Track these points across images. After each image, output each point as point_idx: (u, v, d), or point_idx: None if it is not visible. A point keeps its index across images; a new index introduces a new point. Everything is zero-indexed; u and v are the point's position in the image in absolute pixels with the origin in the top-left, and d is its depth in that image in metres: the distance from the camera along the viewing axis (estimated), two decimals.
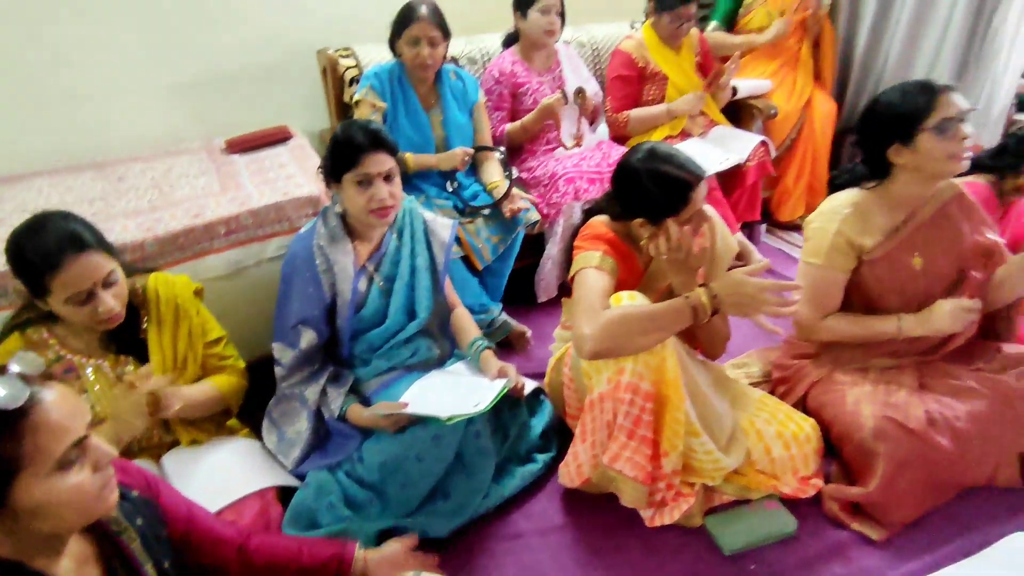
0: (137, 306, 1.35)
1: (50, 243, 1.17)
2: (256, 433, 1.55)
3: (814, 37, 2.88)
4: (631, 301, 1.34)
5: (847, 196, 1.56)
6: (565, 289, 2.32)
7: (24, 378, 0.75)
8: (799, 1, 2.79)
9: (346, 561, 1.10)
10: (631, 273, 1.50)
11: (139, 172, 2.05)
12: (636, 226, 1.42)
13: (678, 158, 1.39)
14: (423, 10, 1.96)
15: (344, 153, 1.48)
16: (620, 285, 1.44)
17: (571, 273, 1.46)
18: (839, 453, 1.55)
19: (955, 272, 1.55)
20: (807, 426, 1.49)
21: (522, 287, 2.31)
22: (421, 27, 1.95)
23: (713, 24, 2.90)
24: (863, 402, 1.49)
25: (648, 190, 1.38)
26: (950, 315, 1.46)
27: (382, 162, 1.48)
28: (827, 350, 1.65)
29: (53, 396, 0.76)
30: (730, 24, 2.93)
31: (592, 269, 1.40)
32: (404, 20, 1.97)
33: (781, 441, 1.46)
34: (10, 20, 2.04)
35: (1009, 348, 1.59)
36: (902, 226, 1.53)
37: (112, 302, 1.22)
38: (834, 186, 1.65)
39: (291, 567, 1.06)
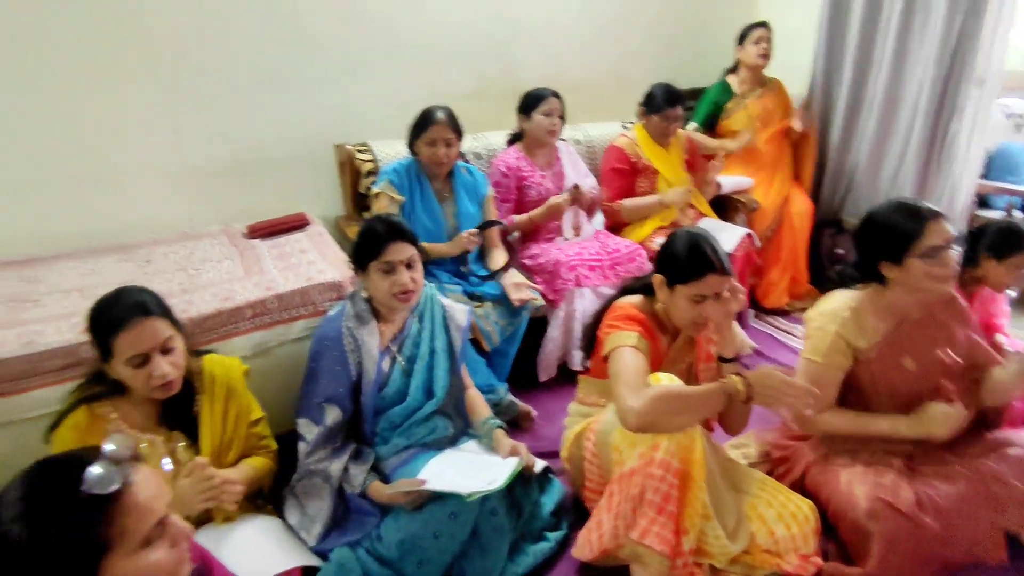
0: (193, 384, 1.43)
1: (121, 307, 1.30)
2: (277, 509, 1.59)
3: (795, 141, 3.15)
4: (669, 382, 1.45)
5: (845, 298, 1.65)
6: (565, 369, 2.44)
7: (116, 461, 0.79)
8: (782, 111, 3.09)
9: None
10: (656, 355, 1.61)
11: (163, 255, 2.16)
12: (656, 282, 1.58)
13: (718, 248, 1.54)
14: (440, 115, 2.16)
15: (369, 244, 1.62)
16: None
17: (606, 350, 1.56)
18: (836, 531, 1.61)
19: (946, 371, 1.63)
20: (805, 507, 1.56)
21: (523, 368, 2.40)
22: (439, 130, 2.15)
23: (692, 125, 3.18)
24: (856, 483, 1.57)
25: (678, 250, 1.54)
26: (938, 421, 1.53)
27: (403, 250, 1.61)
28: (822, 435, 1.75)
29: (140, 478, 0.81)
30: (709, 127, 3.21)
31: (630, 348, 1.51)
32: (423, 123, 2.17)
33: (783, 523, 1.53)
34: (36, 107, 2.16)
35: (989, 434, 1.71)
36: (895, 328, 1.63)
37: (167, 368, 1.30)
38: (831, 282, 1.76)
39: None
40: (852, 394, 1.68)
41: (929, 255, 1.49)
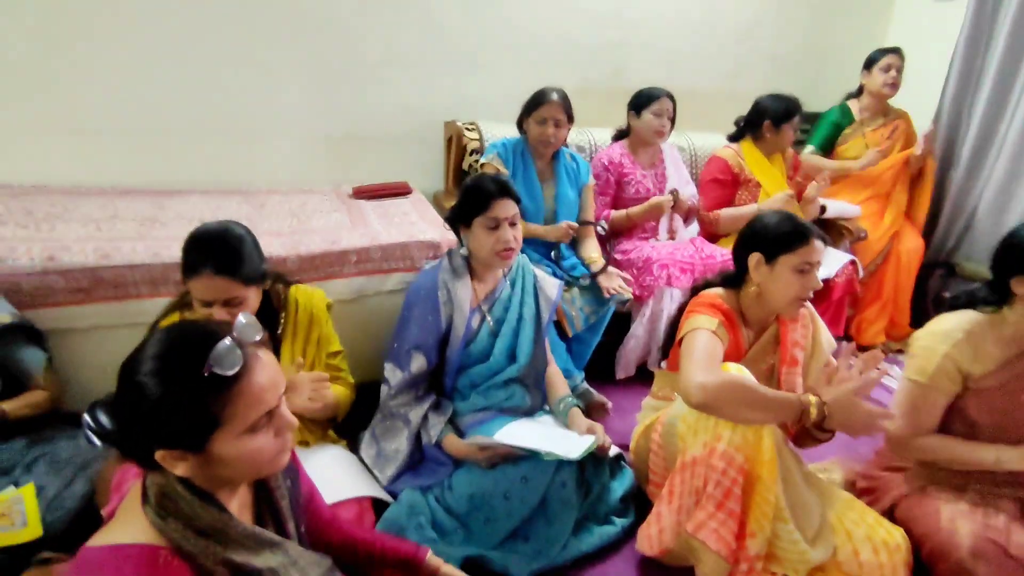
0: (277, 308, 1.50)
1: (203, 250, 1.31)
2: (352, 447, 1.63)
3: (913, 174, 2.99)
4: (739, 373, 1.40)
5: (960, 320, 1.53)
6: (643, 370, 2.39)
7: (241, 345, 0.80)
8: (904, 144, 2.94)
9: (419, 558, 1.16)
10: (736, 349, 1.56)
11: (278, 202, 2.29)
12: (753, 263, 1.54)
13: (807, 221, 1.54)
14: (554, 96, 2.19)
15: (476, 199, 1.62)
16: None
17: (683, 332, 1.53)
18: (931, 572, 1.49)
19: None
20: (897, 535, 1.45)
21: (601, 362, 2.37)
22: (550, 109, 2.18)
23: (810, 148, 3.08)
24: (960, 520, 1.45)
25: (773, 223, 1.54)
26: None
27: (509, 208, 1.62)
28: (922, 466, 1.62)
29: (260, 368, 0.82)
30: (827, 150, 3.10)
31: (710, 332, 1.47)
32: (536, 101, 2.21)
33: (870, 545, 1.43)
34: (198, 67, 2.37)
35: None
36: (1016, 359, 1.49)
37: (224, 316, 1.32)
38: (950, 306, 1.63)
39: (372, 549, 1.14)
40: (958, 424, 1.55)
41: None
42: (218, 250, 1.31)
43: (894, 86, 2.90)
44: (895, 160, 2.95)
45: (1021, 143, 2.78)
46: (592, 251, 2.29)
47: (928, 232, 3.09)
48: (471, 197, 1.64)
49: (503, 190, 1.62)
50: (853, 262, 2.66)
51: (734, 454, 1.35)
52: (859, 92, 3.04)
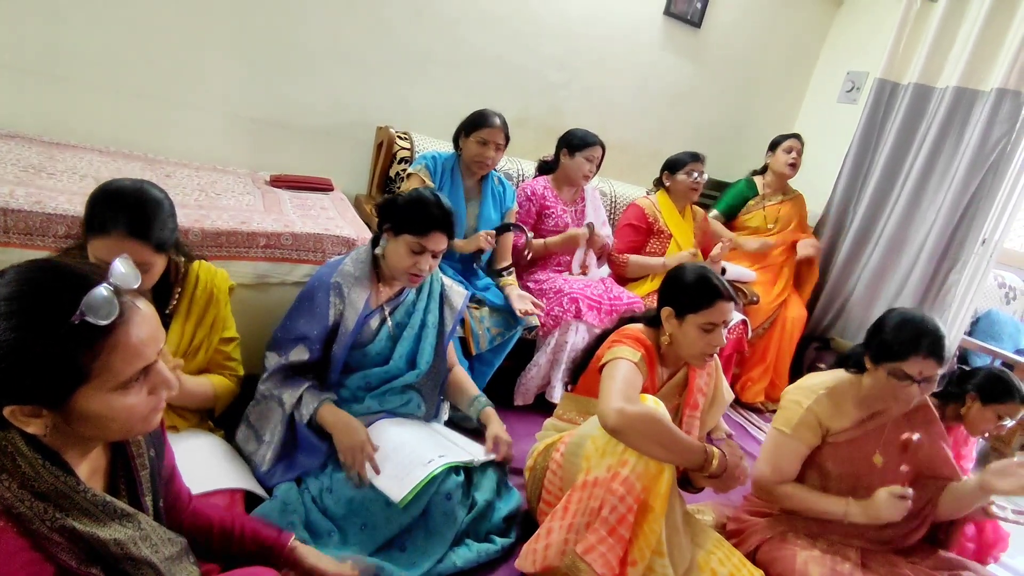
0: (172, 283, 1.38)
1: (117, 207, 1.19)
2: (229, 437, 1.52)
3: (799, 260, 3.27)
4: (655, 406, 1.45)
5: (826, 378, 1.71)
6: (540, 399, 2.41)
7: (118, 292, 0.72)
8: (798, 222, 3.22)
9: (281, 543, 1.09)
10: (649, 385, 1.62)
11: (186, 175, 2.16)
12: (664, 315, 1.60)
13: (724, 281, 1.61)
14: (497, 120, 2.24)
15: (419, 218, 1.56)
16: None
17: (607, 358, 1.56)
18: None
19: (909, 476, 1.67)
20: None
21: (501, 387, 2.37)
22: (493, 132, 2.22)
23: (714, 212, 3.30)
24: (811, 564, 1.55)
25: (686, 281, 1.59)
26: (886, 503, 1.54)
27: (442, 242, 1.61)
28: (785, 513, 1.73)
29: (139, 319, 0.74)
30: (729, 217, 3.33)
31: (632, 363, 1.52)
32: (478, 122, 2.24)
33: None
34: (119, 14, 2.20)
35: (944, 553, 1.71)
36: (869, 420, 1.67)
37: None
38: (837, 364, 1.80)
39: (231, 531, 1.06)
40: (815, 475, 1.68)
41: (897, 376, 1.55)
42: (134, 209, 1.19)
43: (794, 167, 3.18)
44: (786, 238, 3.22)
45: (895, 239, 3.13)
46: (506, 259, 2.32)
47: (811, 306, 3.37)
48: (413, 212, 1.58)
49: (446, 225, 1.59)
50: (745, 322, 2.84)
51: (635, 482, 1.38)
52: (764, 170, 3.31)
